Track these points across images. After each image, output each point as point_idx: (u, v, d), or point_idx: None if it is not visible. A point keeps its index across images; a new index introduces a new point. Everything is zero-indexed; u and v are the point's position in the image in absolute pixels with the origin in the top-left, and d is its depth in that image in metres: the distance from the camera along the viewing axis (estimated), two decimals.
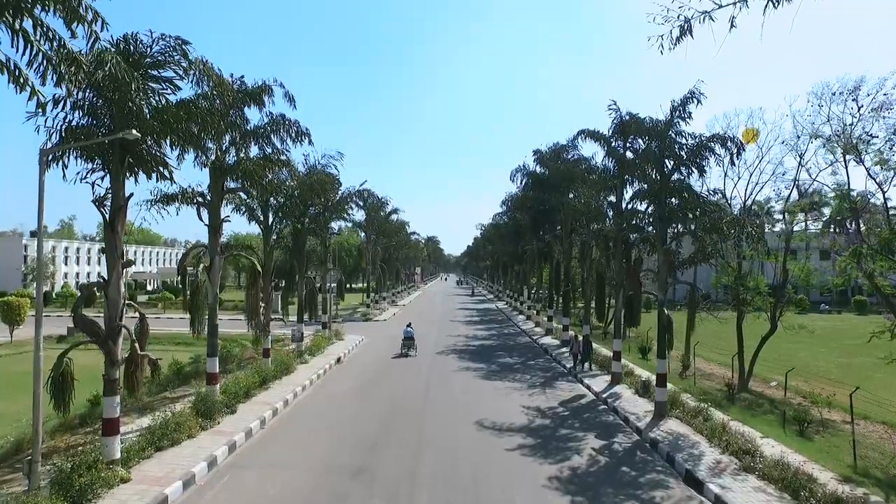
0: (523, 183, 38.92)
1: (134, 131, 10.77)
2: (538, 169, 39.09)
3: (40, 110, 9.97)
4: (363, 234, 57.07)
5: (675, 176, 18.69)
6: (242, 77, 18.31)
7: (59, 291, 71.11)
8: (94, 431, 15.81)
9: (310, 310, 28.70)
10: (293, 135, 18.53)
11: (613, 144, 23.43)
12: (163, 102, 12.02)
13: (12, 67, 8.01)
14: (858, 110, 14.82)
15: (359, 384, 23.22)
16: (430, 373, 25.77)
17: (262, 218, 22.76)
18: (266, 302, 22.29)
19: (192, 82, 16.71)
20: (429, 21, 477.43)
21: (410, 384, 23.33)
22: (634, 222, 21.86)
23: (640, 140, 21.83)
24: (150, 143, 12.39)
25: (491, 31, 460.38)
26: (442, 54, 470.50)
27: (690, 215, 18.24)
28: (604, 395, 21.43)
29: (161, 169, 12.61)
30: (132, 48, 12.38)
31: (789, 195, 22.29)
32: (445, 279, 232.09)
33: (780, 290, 23.42)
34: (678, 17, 10.82)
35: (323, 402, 20.45)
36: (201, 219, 17.61)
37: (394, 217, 58.96)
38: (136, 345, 12.40)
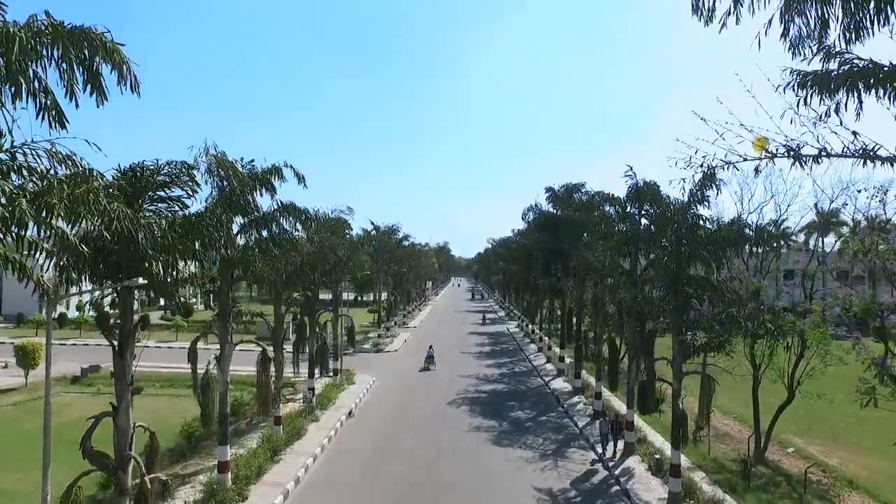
0: (534, 220, 38.72)
1: (140, 279, 10.69)
2: (550, 208, 38.87)
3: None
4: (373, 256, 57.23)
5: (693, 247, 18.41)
6: (252, 161, 18.23)
7: (74, 316, 71.64)
8: None
9: (321, 364, 28.62)
10: (303, 220, 18.44)
11: (629, 210, 23.19)
12: (169, 236, 11.83)
13: (17, 264, 7.95)
14: (887, 224, 14.38)
15: (369, 453, 23.06)
16: (440, 436, 25.54)
17: (271, 287, 22.72)
18: (278, 373, 22.22)
19: (206, 175, 16.77)
20: (452, 20, 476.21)
21: (422, 452, 23.17)
22: (648, 293, 21.50)
23: (655, 209, 21.59)
24: (157, 270, 12.28)
25: (512, 33, 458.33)
26: (456, 58, 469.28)
27: (707, 300, 17.90)
28: (616, 472, 21.11)
29: (170, 295, 12.50)
30: (140, 174, 12.34)
31: (803, 277, 21.63)
32: (458, 285, 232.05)
33: (798, 360, 22.94)
34: (701, 164, 10.58)
35: (335, 478, 20.33)
36: (212, 307, 17.50)
37: (405, 243, 58.88)
38: (146, 478, 12.28)
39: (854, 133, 8.49)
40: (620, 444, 22.87)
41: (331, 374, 34.61)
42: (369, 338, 56.03)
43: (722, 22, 9.64)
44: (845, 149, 8.80)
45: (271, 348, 21.75)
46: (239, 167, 17.68)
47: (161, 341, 53.26)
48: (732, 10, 9.46)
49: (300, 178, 18.49)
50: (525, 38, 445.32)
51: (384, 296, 60.48)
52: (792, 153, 9.13)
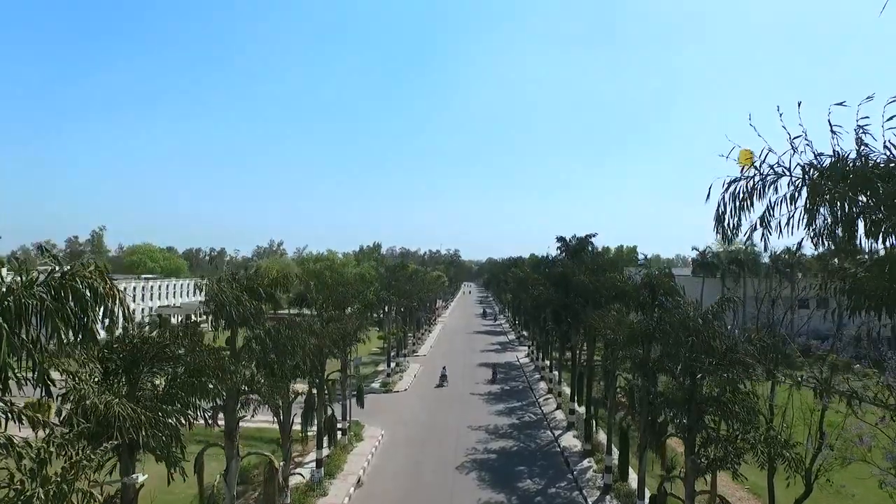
0: (545, 274, 38.44)
1: (141, 476, 10.49)
2: (561, 255, 38.56)
3: None
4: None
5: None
6: (256, 271, 18.04)
7: None
8: None
9: (329, 435, 28.44)
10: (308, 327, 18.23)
11: (640, 299, 22.80)
12: (172, 406, 11.61)
13: None
14: None
15: None
16: None
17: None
18: (286, 460, 22.04)
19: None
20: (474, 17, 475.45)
21: None
22: (660, 392, 21.05)
23: (670, 301, 21.20)
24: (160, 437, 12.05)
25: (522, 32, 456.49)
26: (470, 52, 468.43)
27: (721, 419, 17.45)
28: None
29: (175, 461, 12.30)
30: (145, 342, 12.17)
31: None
32: (469, 292, 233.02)
33: (817, 453, 22.34)
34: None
35: None
36: (217, 424, 17.32)
37: (417, 268, 58.74)
38: None
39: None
40: None
41: (340, 429, 34.36)
42: (379, 372, 55.79)
43: (748, 236, 9.29)
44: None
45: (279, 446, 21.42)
46: (243, 279, 17.49)
47: None
48: (758, 225, 9.11)
49: (307, 288, 18.28)
50: (535, 39, 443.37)
51: (394, 312, 60.44)
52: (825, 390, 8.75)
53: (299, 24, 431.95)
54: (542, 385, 52.20)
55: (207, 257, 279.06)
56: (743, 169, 12.61)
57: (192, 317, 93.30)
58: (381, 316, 49.68)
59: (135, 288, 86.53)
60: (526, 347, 74.15)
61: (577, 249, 36.24)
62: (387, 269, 48.77)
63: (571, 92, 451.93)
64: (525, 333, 79.19)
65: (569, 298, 33.82)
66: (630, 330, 22.19)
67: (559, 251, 37.97)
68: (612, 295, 30.20)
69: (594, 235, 35.95)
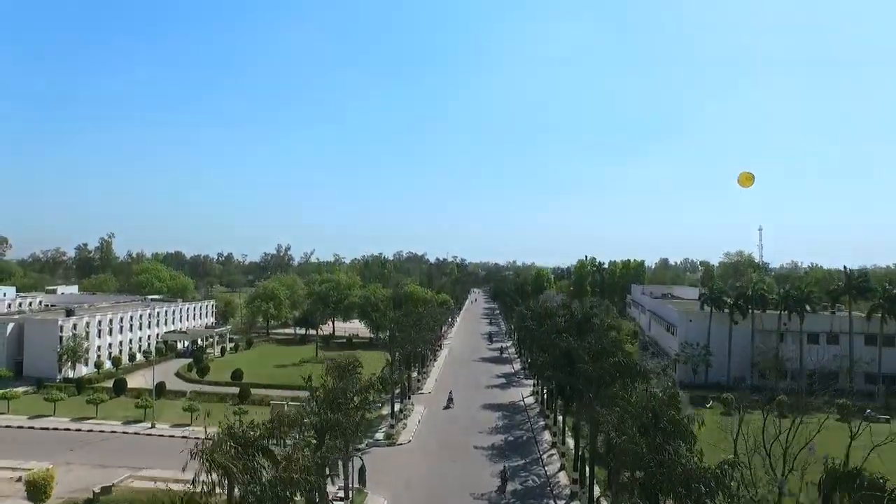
0: (550, 352, 38.18)
1: None
2: (567, 325, 38.25)
3: None
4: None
5: None
6: (253, 421, 17.82)
7: (92, 373, 72.51)
8: None
9: None
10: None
11: (643, 419, 22.47)
12: None
13: None
14: None
15: None
16: None
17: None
18: None
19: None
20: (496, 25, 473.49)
21: None
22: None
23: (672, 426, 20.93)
24: None
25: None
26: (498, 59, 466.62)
27: None
28: None
29: None
30: None
31: None
32: (475, 300, 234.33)
33: None
34: None
35: None
36: None
37: (422, 318, 58.55)
38: None
39: None
40: None
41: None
42: (382, 416, 55.46)
43: None
44: None
45: None
46: (238, 433, 17.33)
47: (177, 427, 51.98)
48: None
49: (304, 431, 18.10)
50: (546, 42, 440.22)
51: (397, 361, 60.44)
52: None
53: (309, 31, 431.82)
54: (547, 436, 51.62)
55: (215, 262, 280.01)
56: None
57: (199, 342, 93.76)
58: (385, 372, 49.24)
59: (141, 315, 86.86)
60: (531, 382, 73.34)
61: (581, 322, 35.94)
62: (391, 320, 48.52)
63: (583, 94, 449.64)
64: (536, 382, 78.32)
65: (572, 377, 33.52)
66: (634, 456, 21.87)
67: (564, 321, 37.71)
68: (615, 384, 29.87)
69: (595, 314, 35.64)
